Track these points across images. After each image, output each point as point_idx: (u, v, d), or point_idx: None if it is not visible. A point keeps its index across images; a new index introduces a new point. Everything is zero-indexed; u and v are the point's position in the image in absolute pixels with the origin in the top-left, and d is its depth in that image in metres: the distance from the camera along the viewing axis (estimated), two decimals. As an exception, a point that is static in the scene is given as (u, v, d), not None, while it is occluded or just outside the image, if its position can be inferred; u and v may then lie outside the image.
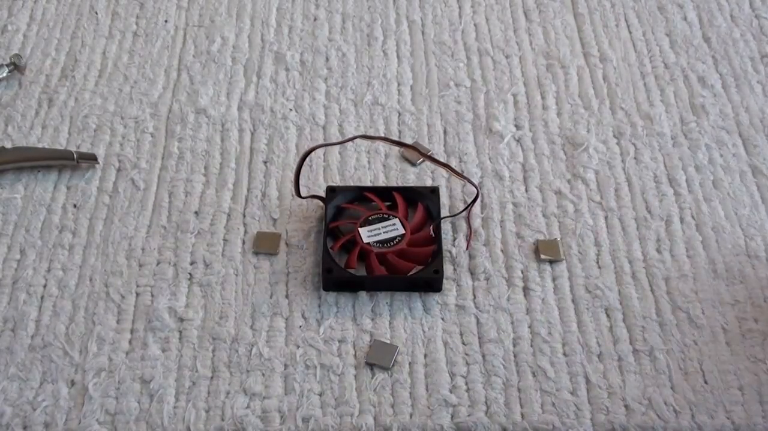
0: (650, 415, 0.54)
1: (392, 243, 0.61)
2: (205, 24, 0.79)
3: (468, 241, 0.62)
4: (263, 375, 0.56)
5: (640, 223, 0.64)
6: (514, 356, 0.57)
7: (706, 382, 0.56)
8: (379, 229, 0.62)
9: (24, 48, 0.76)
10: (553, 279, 0.61)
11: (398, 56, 0.76)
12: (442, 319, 0.59)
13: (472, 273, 0.61)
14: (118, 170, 0.67)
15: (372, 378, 0.55)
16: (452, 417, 0.54)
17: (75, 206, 0.65)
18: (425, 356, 0.57)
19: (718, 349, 0.57)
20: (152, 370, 0.56)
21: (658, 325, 0.58)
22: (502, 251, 0.62)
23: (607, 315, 0.59)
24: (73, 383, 0.55)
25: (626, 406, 0.54)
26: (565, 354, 0.57)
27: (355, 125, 0.71)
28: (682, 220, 0.65)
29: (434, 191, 0.64)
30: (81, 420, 0.53)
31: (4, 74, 0.73)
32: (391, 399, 0.55)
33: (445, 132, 0.70)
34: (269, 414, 0.54)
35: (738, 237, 0.63)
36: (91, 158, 0.67)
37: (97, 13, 0.80)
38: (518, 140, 0.70)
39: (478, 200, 0.65)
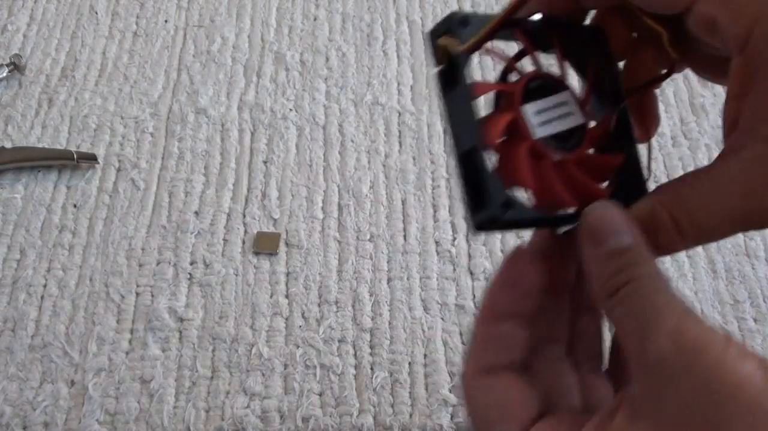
0: (650, 415, 0.54)
1: (571, 142, 0.31)
2: (205, 24, 0.79)
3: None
4: (263, 375, 0.56)
5: (640, 223, 0.64)
6: (514, 356, 0.57)
7: (705, 382, 0.56)
8: (548, 110, 0.31)
9: (24, 48, 0.76)
10: (553, 279, 0.61)
11: (398, 56, 0.76)
12: (442, 319, 0.59)
13: (472, 273, 0.61)
14: (118, 170, 0.67)
15: (372, 377, 0.55)
16: (452, 416, 0.54)
17: (75, 206, 0.65)
18: (425, 356, 0.57)
19: (718, 349, 0.57)
20: (152, 370, 0.56)
21: (658, 325, 0.58)
22: (501, 250, 0.62)
23: (607, 315, 0.59)
24: (73, 383, 0.55)
25: (626, 406, 0.54)
26: (564, 354, 0.57)
27: (355, 125, 0.71)
28: (681, 220, 0.64)
29: (598, 30, 0.33)
30: (81, 420, 0.53)
31: (4, 74, 0.73)
32: (391, 399, 0.55)
33: (445, 132, 0.70)
34: (269, 414, 0.54)
35: (738, 237, 0.63)
36: (91, 158, 0.67)
37: (97, 13, 0.80)
38: (518, 140, 0.69)
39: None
